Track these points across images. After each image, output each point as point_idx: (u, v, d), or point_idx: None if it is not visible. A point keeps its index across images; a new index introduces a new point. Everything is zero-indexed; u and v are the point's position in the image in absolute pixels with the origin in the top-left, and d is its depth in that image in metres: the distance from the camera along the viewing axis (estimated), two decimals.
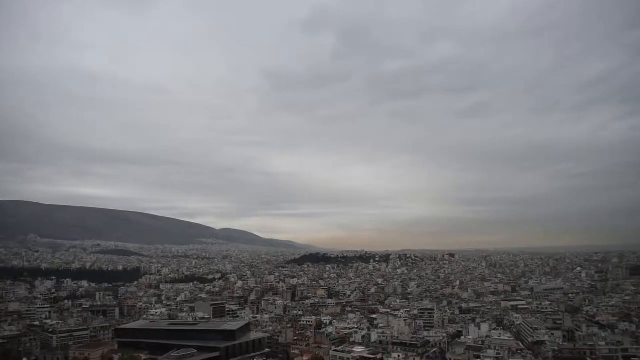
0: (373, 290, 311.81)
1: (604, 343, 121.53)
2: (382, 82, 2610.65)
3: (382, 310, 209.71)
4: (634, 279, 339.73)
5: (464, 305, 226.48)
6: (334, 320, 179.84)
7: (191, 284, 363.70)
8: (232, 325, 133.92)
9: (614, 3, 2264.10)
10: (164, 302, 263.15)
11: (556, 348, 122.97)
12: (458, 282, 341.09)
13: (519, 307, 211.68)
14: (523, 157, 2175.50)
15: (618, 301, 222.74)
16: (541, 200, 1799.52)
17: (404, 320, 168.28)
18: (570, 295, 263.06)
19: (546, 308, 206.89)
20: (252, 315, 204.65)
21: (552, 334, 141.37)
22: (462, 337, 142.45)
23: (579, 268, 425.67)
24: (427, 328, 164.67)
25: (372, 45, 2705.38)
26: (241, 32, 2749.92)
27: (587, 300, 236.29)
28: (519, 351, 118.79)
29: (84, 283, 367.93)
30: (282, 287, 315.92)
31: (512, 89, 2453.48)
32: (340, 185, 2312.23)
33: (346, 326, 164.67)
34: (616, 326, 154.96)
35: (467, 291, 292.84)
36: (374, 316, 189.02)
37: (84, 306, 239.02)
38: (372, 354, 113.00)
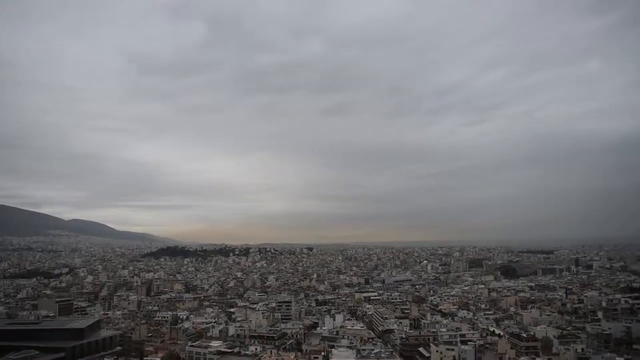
0: (232, 284, 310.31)
1: (445, 329, 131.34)
2: (251, 75, 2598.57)
3: (240, 303, 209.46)
4: (472, 271, 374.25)
5: (320, 297, 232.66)
6: (191, 315, 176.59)
7: (34, 279, 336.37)
8: (79, 323, 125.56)
9: (467, 19, 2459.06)
10: (2, 299, 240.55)
11: (403, 335, 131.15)
12: (315, 275, 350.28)
13: (371, 298, 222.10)
14: (380, 156, 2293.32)
15: (458, 291, 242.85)
16: (394, 198, 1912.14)
17: (262, 313, 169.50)
18: (417, 286, 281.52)
19: (396, 298, 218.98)
20: (102, 312, 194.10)
21: (400, 322, 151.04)
22: (318, 328, 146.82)
23: (425, 261, 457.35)
24: (284, 320, 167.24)
25: (242, 37, 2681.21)
26: (101, 11, 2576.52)
27: (431, 291, 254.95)
28: (370, 339, 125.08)
29: None
30: (137, 282, 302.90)
31: (374, 91, 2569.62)
32: (202, 177, 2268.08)
33: (203, 321, 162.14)
34: (456, 314, 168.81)
35: (324, 283, 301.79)
36: (232, 310, 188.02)
37: None
38: (229, 348, 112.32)
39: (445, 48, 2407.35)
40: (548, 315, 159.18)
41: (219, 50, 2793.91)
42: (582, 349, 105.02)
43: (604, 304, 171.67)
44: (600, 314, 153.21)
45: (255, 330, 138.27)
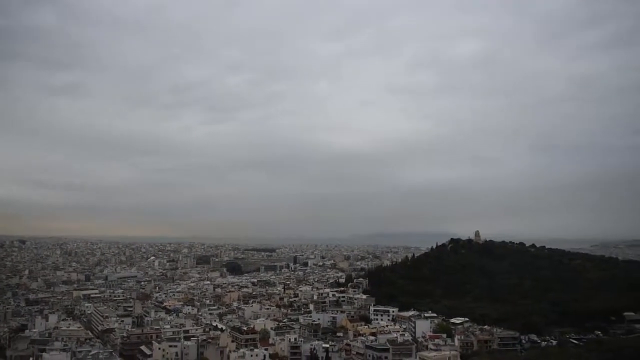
0: None
1: (169, 326, 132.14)
2: None
3: None
4: (199, 267, 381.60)
5: (31, 296, 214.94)
6: None
7: None
8: None
9: (216, 20, 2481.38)
10: None
11: (125, 334, 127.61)
12: (27, 272, 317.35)
13: (92, 295, 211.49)
14: (109, 145, 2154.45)
15: (184, 287, 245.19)
16: (124, 190, 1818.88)
17: None
18: (142, 283, 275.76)
19: (119, 296, 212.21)
20: None
21: (122, 320, 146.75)
22: (27, 331, 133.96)
23: (152, 257, 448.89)
24: None
25: None
26: None
27: (157, 287, 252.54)
28: (88, 340, 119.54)
29: None
30: None
31: (111, 77, 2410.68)
32: None
33: None
34: (181, 310, 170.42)
35: (37, 281, 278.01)
36: None
37: None
38: None
39: (190, 45, 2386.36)
40: (267, 308, 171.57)
41: None
42: (295, 339, 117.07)
43: (315, 297, 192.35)
44: (312, 307, 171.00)
45: None
